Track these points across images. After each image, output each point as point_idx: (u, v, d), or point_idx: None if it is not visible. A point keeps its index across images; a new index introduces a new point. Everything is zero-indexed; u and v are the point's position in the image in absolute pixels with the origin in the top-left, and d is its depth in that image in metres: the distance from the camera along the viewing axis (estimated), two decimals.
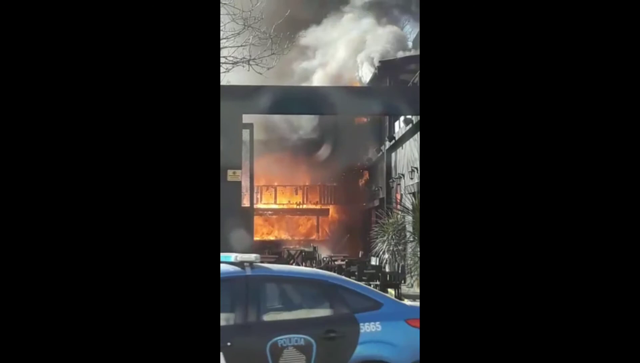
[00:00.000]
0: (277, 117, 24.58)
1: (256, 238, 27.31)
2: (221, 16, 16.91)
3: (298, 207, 29.67)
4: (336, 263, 19.07)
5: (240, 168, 11.43)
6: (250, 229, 12.04)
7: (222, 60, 17.55)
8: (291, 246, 26.81)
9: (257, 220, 28.17)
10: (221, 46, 17.34)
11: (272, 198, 29.58)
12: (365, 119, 25.83)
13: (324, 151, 27.08)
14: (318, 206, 29.71)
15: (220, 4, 16.71)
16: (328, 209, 29.54)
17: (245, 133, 11.89)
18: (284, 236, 29.33)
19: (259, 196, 28.51)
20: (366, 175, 27.49)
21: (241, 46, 17.51)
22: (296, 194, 29.74)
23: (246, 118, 12.25)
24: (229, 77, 18.06)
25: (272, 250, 23.97)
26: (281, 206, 29.62)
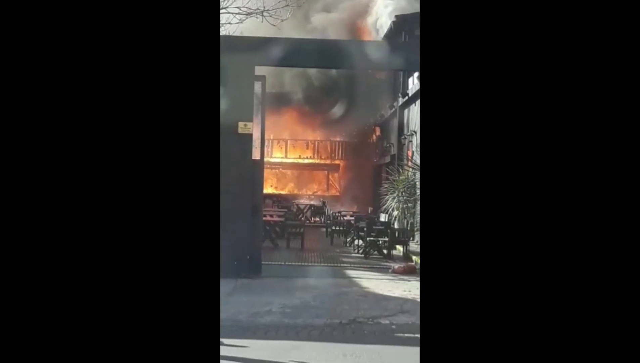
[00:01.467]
0: (290, 70, 24.38)
1: (266, 191, 27.39)
2: None
3: (309, 161, 29.65)
4: (345, 218, 19.12)
5: (251, 120, 11.33)
6: (260, 182, 11.99)
7: (235, 10, 17.36)
8: (301, 201, 26.90)
9: (268, 173, 28.22)
10: None
11: (283, 152, 29.54)
12: (379, 75, 25.57)
13: (337, 106, 26.92)
14: (329, 161, 29.68)
15: None
16: (339, 164, 29.51)
17: (258, 85, 11.76)
18: (294, 190, 29.38)
19: (269, 150, 28.48)
20: (378, 131, 27.34)
21: None
22: (307, 148, 29.69)
23: (259, 70, 12.11)
24: (242, 28, 17.91)
25: (282, 204, 24.03)
26: (292, 160, 29.59)
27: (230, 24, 17.64)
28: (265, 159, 27.71)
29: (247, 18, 17.75)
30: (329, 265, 13.48)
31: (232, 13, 17.50)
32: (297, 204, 25.40)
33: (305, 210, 25.24)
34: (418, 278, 11.65)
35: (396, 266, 12.61)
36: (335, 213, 21.30)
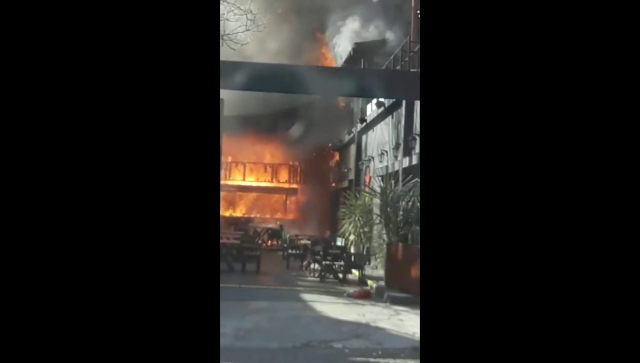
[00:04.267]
0: (250, 93, 24.43)
1: (226, 214, 27.29)
2: None
3: (267, 185, 29.66)
4: (301, 242, 19.15)
5: None
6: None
7: None
8: (258, 224, 26.86)
9: (226, 196, 28.14)
10: None
11: (241, 175, 29.50)
12: (339, 101, 25.81)
13: (295, 130, 27.06)
14: (287, 185, 29.73)
15: None
16: (296, 188, 29.58)
17: None
18: (252, 213, 29.32)
19: (228, 173, 28.44)
20: (336, 156, 27.52)
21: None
22: (265, 172, 29.71)
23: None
24: None
25: (239, 227, 23.96)
26: (250, 184, 29.57)
27: None
28: (224, 182, 27.73)
29: None
30: (284, 288, 13.49)
31: None
32: (254, 228, 25.37)
33: (262, 233, 25.21)
34: (373, 303, 11.75)
35: (351, 290, 12.67)
36: (292, 236, 21.34)
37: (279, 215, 29.31)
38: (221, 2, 16.86)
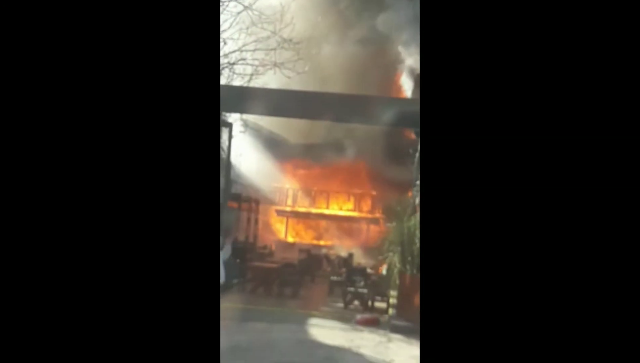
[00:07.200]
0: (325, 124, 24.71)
1: (305, 241, 27.64)
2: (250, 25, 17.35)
3: (349, 214, 29.72)
4: (368, 271, 18.81)
5: None
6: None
7: (256, 63, 18.06)
8: (332, 252, 26.91)
9: (310, 224, 28.53)
10: (253, 48, 17.83)
11: (325, 204, 29.77)
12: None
13: (383, 161, 27.00)
14: (370, 215, 29.63)
15: (249, 9, 17.22)
16: (378, 218, 29.39)
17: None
18: (331, 241, 29.42)
19: (312, 201, 28.85)
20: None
21: (272, 49, 17.93)
22: (348, 200, 29.81)
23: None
24: (265, 79, 18.55)
25: (310, 254, 24.15)
26: (333, 212, 29.77)
27: (247, 75, 18.32)
28: (308, 210, 28.18)
29: (265, 71, 18.39)
30: (301, 312, 13.45)
31: (251, 65, 18.19)
32: (325, 255, 25.45)
33: (334, 261, 25.22)
34: (372, 330, 11.53)
35: (359, 316, 12.49)
36: (359, 264, 21.11)
37: (357, 244, 29.21)
38: (274, 33, 17.37)
